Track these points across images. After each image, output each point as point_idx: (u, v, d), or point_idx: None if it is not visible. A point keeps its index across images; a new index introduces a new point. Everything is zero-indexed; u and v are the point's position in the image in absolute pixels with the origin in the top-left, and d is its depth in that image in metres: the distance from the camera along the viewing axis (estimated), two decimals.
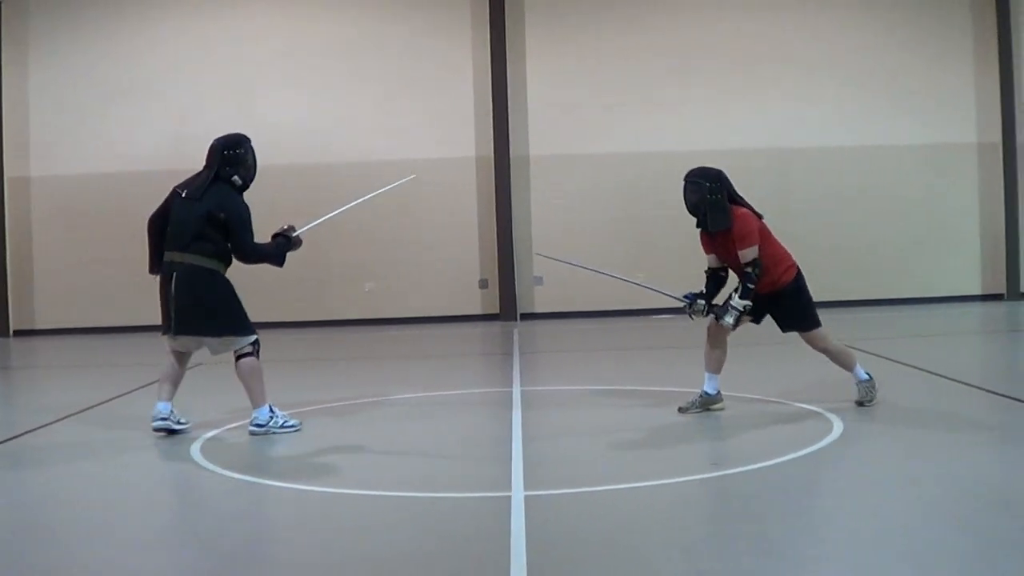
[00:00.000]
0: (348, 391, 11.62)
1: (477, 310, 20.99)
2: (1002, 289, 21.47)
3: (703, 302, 9.55)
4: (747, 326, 9.51)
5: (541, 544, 5.62)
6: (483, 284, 21.02)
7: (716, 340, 9.67)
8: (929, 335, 16.36)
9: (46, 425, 9.98)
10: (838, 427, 8.50)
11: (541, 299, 21.12)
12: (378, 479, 7.41)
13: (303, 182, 20.72)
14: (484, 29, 20.92)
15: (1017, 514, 6.02)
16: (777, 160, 21.14)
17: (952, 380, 10.96)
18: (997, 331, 17.66)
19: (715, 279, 9.74)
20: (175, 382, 9.36)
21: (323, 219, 10.54)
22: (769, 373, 12.32)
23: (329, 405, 10.73)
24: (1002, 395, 10.24)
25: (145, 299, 20.73)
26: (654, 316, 20.26)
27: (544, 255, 10.37)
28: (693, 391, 9.95)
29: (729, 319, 9.21)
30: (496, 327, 19.91)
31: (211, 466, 7.87)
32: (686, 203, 9.56)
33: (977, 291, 21.56)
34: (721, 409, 9.58)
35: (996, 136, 21.39)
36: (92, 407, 11.01)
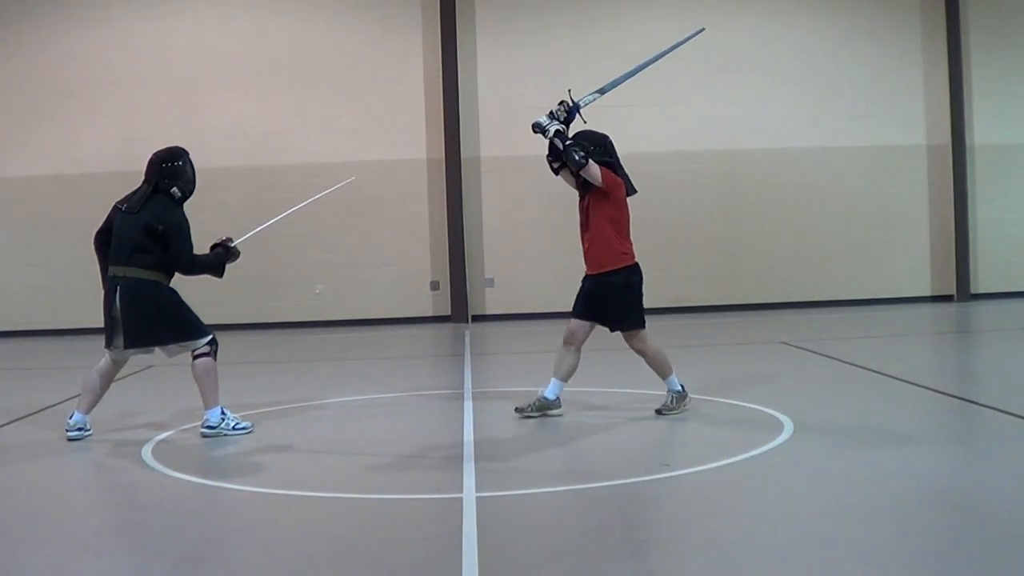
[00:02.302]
0: (299, 393, 11.57)
1: (428, 312, 20.96)
2: (952, 290, 21.66)
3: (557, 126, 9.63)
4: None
5: (493, 545, 5.60)
6: (434, 286, 20.98)
7: (575, 344, 9.59)
8: (879, 336, 16.46)
9: None
10: (788, 428, 8.52)
11: (492, 301, 21.11)
12: (329, 481, 7.36)
13: (251, 185, 20.67)
14: (435, 31, 20.89)
15: (966, 514, 6.06)
16: (727, 162, 21.26)
17: (902, 381, 11.02)
18: (946, 332, 17.80)
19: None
20: (98, 395, 9.29)
21: (261, 227, 10.52)
22: (720, 374, 12.34)
23: (280, 407, 10.67)
24: (951, 396, 10.32)
25: (92, 302, 20.71)
26: None
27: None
28: (645, 392, 9.97)
29: (543, 123, 9.67)
30: (447, 329, 19.88)
31: (161, 468, 7.80)
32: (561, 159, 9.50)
33: (927, 292, 21.74)
34: (559, 415, 9.52)
35: (945, 138, 21.58)
36: (40, 410, 10.89)
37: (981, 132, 21.71)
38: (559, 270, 20.88)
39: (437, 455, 8.38)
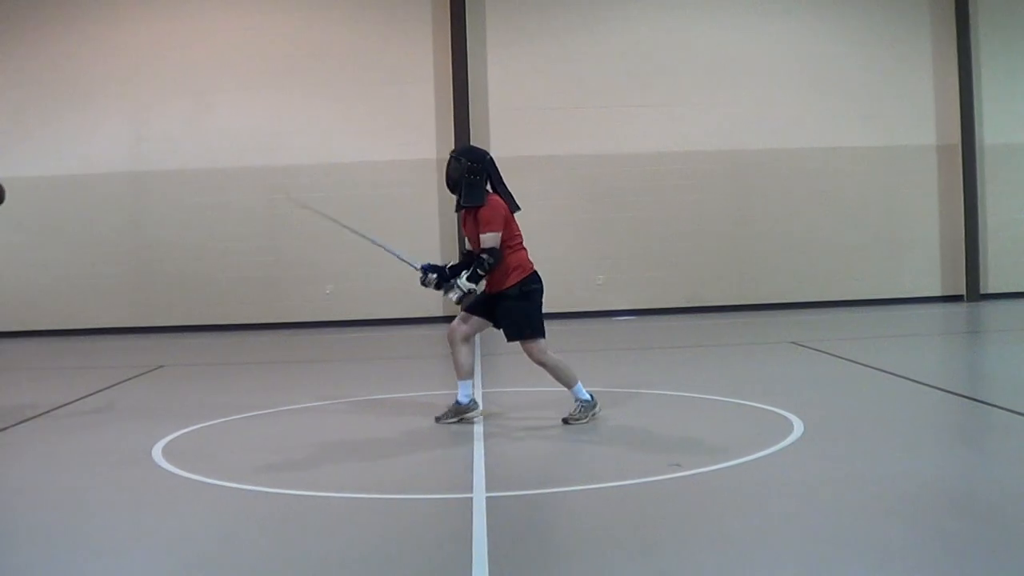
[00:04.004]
0: (309, 393, 11.57)
1: (438, 312, 20.94)
2: (961, 290, 21.62)
3: (435, 276, 9.19)
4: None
5: (503, 545, 5.60)
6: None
7: (456, 341, 9.45)
8: (889, 336, 16.43)
9: (4, 429, 9.88)
10: (798, 427, 8.51)
11: None
12: (340, 481, 7.37)
13: (261, 185, 20.68)
14: (445, 31, 20.88)
15: (976, 514, 6.05)
16: (737, 163, 21.22)
17: (912, 381, 11.00)
18: (956, 332, 17.76)
19: (469, 261, 9.26)
20: None
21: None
22: (730, 374, 12.34)
23: (290, 407, 10.68)
24: (961, 396, 10.31)
25: (100, 302, 20.81)
26: (614, 318, 20.35)
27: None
28: (651, 392, 9.96)
29: (452, 295, 9.01)
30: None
31: (172, 468, 7.81)
32: (447, 179, 9.32)
33: (937, 292, 21.69)
34: (476, 417, 9.44)
35: (955, 138, 21.53)
36: (49, 411, 10.90)
37: (991, 132, 21.66)
38: (568, 270, 20.93)
39: (447, 455, 8.39)
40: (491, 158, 9.46)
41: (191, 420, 9.94)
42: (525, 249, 9.40)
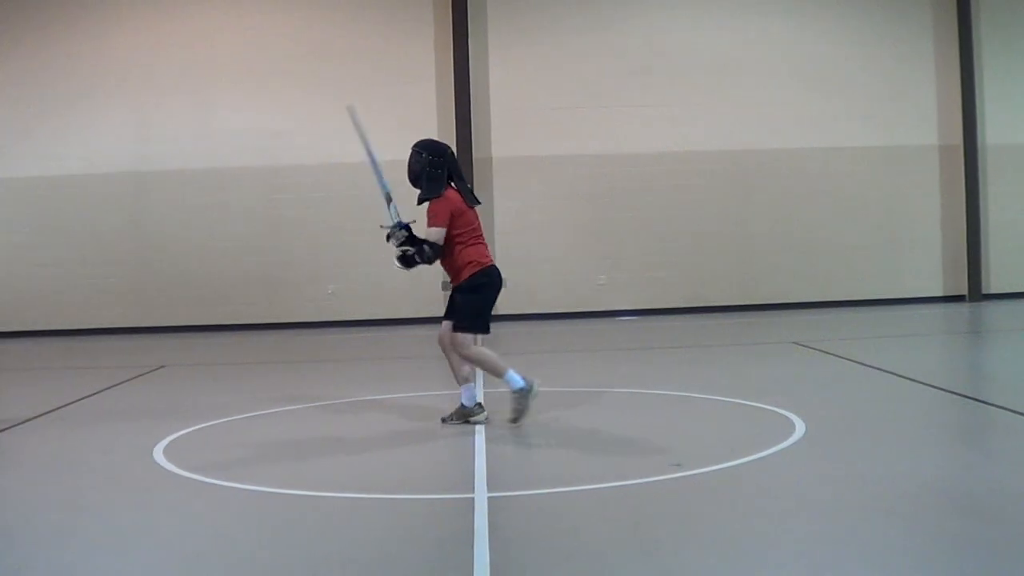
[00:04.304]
0: (311, 393, 11.58)
1: (440, 312, 20.83)
2: (964, 290, 21.62)
3: (405, 233, 9.30)
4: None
5: (504, 545, 5.61)
6: (446, 286, 20.90)
7: (446, 348, 9.51)
8: (890, 336, 16.42)
9: (7, 429, 9.89)
10: (800, 427, 8.51)
11: (504, 301, 21.05)
12: (341, 481, 7.37)
13: (263, 184, 20.71)
14: (447, 31, 20.89)
15: (978, 515, 6.04)
16: (739, 163, 21.23)
17: (914, 381, 11.00)
18: (958, 332, 17.76)
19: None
20: None
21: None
22: (732, 374, 12.34)
23: (292, 407, 10.68)
24: (963, 396, 10.31)
25: (102, 302, 20.82)
26: (618, 318, 20.36)
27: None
28: (652, 392, 9.96)
29: (393, 241, 9.23)
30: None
31: (173, 467, 7.82)
32: (409, 172, 9.45)
33: (939, 292, 21.69)
34: (482, 421, 9.40)
35: (957, 138, 21.53)
36: (51, 411, 10.91)
37: (993, 132, 21.66)
38: (571, 271, 20.96)
39: (448, 455, 8.40)
40: (452, 152, 9.54)
41: (192, 420, 9.95)
42: (483, 244, 9.45)
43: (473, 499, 6.60)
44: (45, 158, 20.79)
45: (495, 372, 9.30)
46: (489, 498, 6.60)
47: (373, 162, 9.68)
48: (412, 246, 9.13)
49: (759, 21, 21.42)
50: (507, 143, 21.03)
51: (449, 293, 9.56)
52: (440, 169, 9.31)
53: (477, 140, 20.86)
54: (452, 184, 9.39)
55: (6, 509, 7.02)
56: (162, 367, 14.81)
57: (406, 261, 9.22)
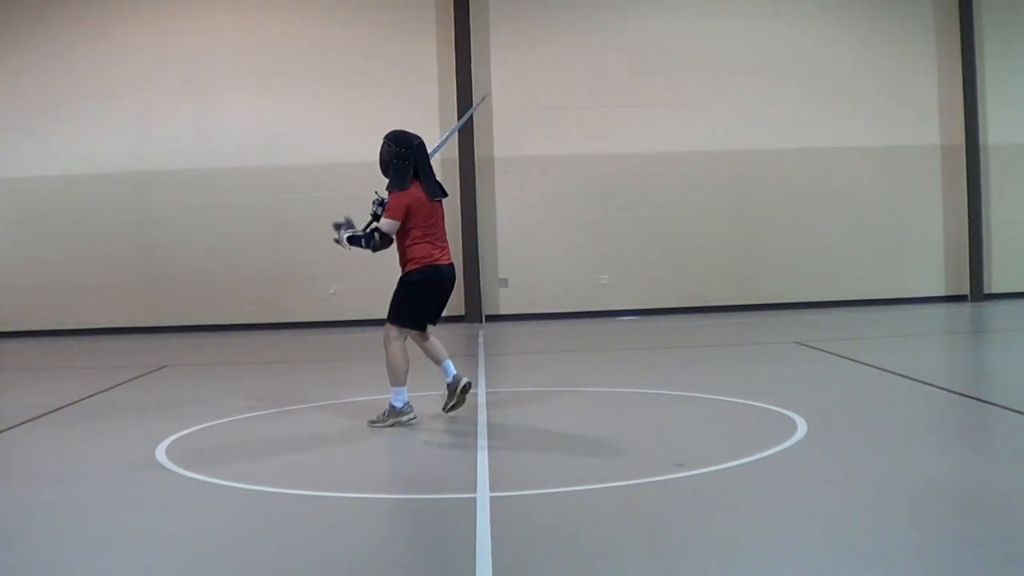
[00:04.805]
0: (314, 393, 11.58)
1: (443, 312, 20.92)
2: (965, 290, 21.59)
3: (349, 231, 9.70)
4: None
5: (507, 546, 5.61)
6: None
7: (419, 339, 9.85)
8: (892, 336, 16.42)
9: (8, 429, 9.90)
10: (802, 428, 8.51)
11: (506, 301, 21.11)
12: (343, 481, 7.38)
13: (264, 185, 20.70)
14: (449, 31, 20.88)
15: (981, 514, 6.05)
16: (741, 163, 21.21)
17: (916, 381, 11.00)
18: (960, 332, 17.75)
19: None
20: None
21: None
22: (734, 374, 12.34)
23: (294, 407, 10.69)
24: (966, 396, 10.31)
25: (104, 302, 20.82)
26: (618, 317, 20.35)
27: None
28: (655, 392, 9.96)
29: (335, 235, 9.70)
30: (461, 329, 19.86)
31: (175, 468, 7.82)
32: (380, 162, 9.63)
33: (941, 292, 21.67)
34: (468, 388, 9.71)
35: (959, 138, 21.51)
36: (52, 411, 10.91)
37: (995, 132, 21.64)
38: (573, 270, 20.95)
39: (450, 455, 8.40)
40: (420, 143, 9.61)
41: (194, 420, 9.95)
42: (434, 243, 9.58)
43: (475, 499, 6.60)
44: (46, 158, 20.78)
45: (392, 379, 9.47)
46: (491, 498, 6.60)
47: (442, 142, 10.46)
48: (353, 240, 9.54)
49: (761, 21, 21.40)
50: (509, 143, 21.02)
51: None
52: (406, 160, 9.42)
53: (479, 140, 20.86)
54: (419, 177, 9.44)
55: (7, 509, 7.01)
56: (164, 367, 14.81)
57: (352, 240, 9.56)
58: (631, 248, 20.99)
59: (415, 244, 9.40)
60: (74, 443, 9.19)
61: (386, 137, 9.61)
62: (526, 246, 20.96)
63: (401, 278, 9.50)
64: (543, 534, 5.90)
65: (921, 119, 21.61)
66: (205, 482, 7.42)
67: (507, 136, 21.00)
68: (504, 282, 21.04)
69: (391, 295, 9.62)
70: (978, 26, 21.48)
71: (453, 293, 9.87)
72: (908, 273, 21.65)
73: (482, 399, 10.59)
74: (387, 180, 9.52)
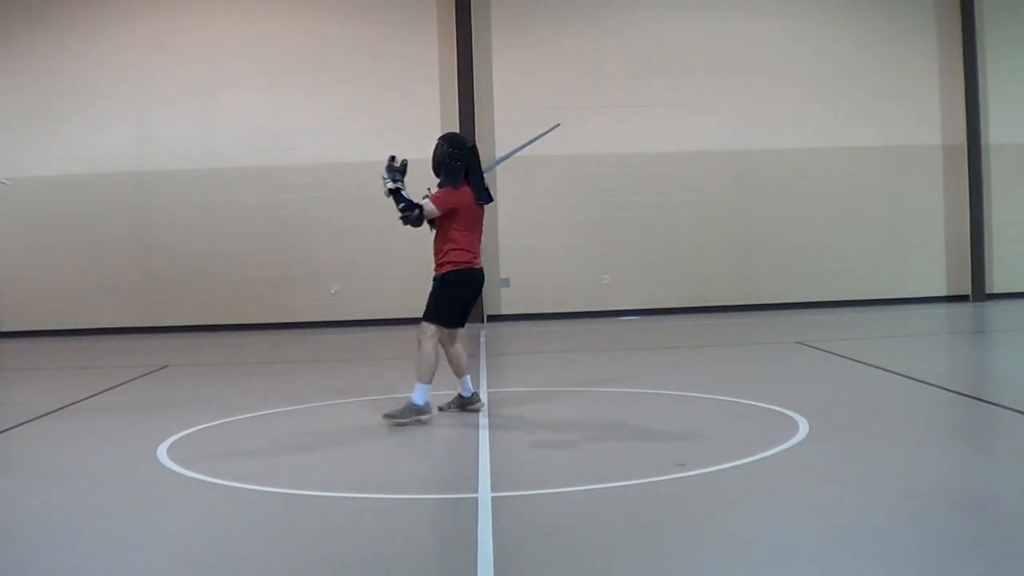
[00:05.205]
0: (315, 393, 11.58)
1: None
2: (967, 290, 21.61)
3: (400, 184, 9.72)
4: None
5: (508, 545, 5.60)
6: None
7: (447, 341, 9.90)
8: (894, 336, 16.42)
9: (10, 429, 9.90)
10: (803, 428, 8.50)
11: (507, 301, 21.12)
12: (344, 480, 7.37)
13: (266, 184, 20.71)
14: (451, 31, 20.89)
15: (982, 514, 6.04)
16: (742, 163, 21.22)
17: (917, 381, 10.99)
18: (962, 332, 17.74)
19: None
20: None
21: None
22: (735, 374, 12.33)
23: (296, 407, 10.68)
24: (967, 396, 10.30)
25: (106, 302, 20.82)
26: (620, 317, 20.35)
27: None
28: (656, 392, 9.97)
29: (385, 175, 9.78)
30: (462, 329, 19.83)
31: (176, 468, 7.82)
32: (432, 161, 9.81)
33: (942, 292, 21.68)
34: (478, 409, 9.82)
35: (961, 138, 21.52)
36: (55, 410, 10.91)
37: (997, 132, 21.65)
38: (574, 270, 20.96)
39: (452, 455, 8.40)
40: (472, 147, 9.85)
41: (196, 420, 9.95)
42: (472, 247, 9.68)
43: (477, 499, 6.59)
44: (48, 158, 20.80)
45: (422, 373, 9.46)
46: (493, 498, 6.60)
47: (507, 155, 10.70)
48: (408, 202, 9.52)
49: (761, 21, 21.41)
50: (510, 143, 20.92)
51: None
52: (458, 162, 9.61)
53: (480, 140, 20.82)
54: (468, 179, 9.61)
55: (9, 509, 7.01)
56: (165, 367, 14.81)
57: (396, 194, 9.60)
58: (632, 248, 21.00)
59: (457, 248, 9.54)
60: (75, 443, 9.18)
61: (441, 138, 9.86)
62: (527, 246, 20.97)
63: (440, 278, 9.61)
64: (545, 534, 5.90)
65: (923, 119, 21.63)
66: (206, 482, 7.42)
67: (508, 136, 20.96)
68: (505, 282, 21.05)
69: (421, 295, 9.66)
70: (980, 26, 21.49)
71: None
72: (909, 273, 21.66)
73: (484, 399, 10.58)
74: (438, 180, 9.73)
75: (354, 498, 6.86)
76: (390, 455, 8.32)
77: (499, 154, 10.46)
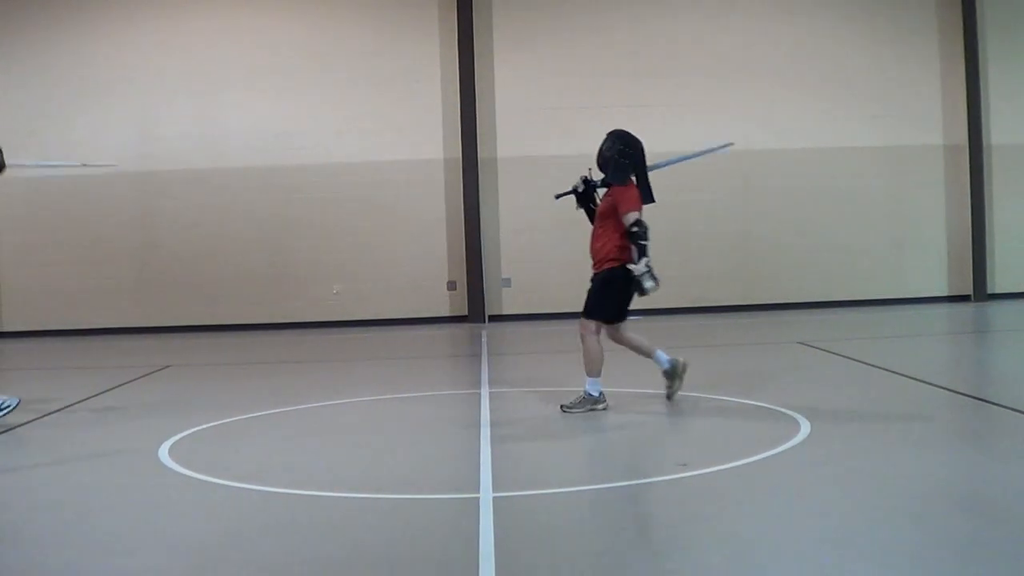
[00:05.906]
0: (316, 393, 11.57)
1: (445, 312, 20.96)
2: (968, 290, 21.60)
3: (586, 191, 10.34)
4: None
5: (510, 546, 5.60)
6: (451, 286, 20.97)
7: (615, 334, 10.09)
8: (895, 336, 16.42)
9: (11, 429, 9.89)
10: (805, 428, 8.50)
11: (509, 301, 21.12)
12: (345, 481, 7.37)
13: (268, 185, 20.72)
14: (452, 32, 20.89)
15: (984, 514, 6.03)
16: (744, 163, 21.18)
17: (919, 381, 10.99)
18: (963, 332, 17.74)
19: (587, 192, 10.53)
20: None
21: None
22: (737, 374, 12.32)
23: (298, 407, 10.68)
24: (969, 396, 10.30)
25: (107, 302, 20.83)
26: None
27: None
28: (658, 392, 10.02)
29: (647, 284, 9.69)
30: (464, 329, 19.88)
31: (179, 468, 7.82)
32: (599, 155, 10.09)
33: (944, 292, 21.68)
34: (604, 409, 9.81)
35: (962, 138, 21.51)
36: (56, 411, 10.92)
37: (998, 132, 21.65)
38: (575, 270, 20.82)
39: (454, 455, 8.39)
40: (642, 148, 10.11)
41: (197, 420, 9.95)
42: (627, 247, 9.83)
43: (478, 499, 6.59)
44: (51, 158, 20.75)
45: (591, 368, 9.74)
46: (494, 498, 6.60)
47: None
48: (646, 255, 9.83)
49: (762, 21, 21.41)
50: (511, 143, 21.03)
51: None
52: (628, 160, 9.92)
53: (482, 140, 20.88)
54: (634, 179, 9.91)
55: (11, 508, 7.01)
56: (167, 367, 14.81)
57: (644, 253, 9.79)
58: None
59: (622, 245, 9.74)
60: (77, 443, 9.18)
61: (611, 134, 10.21)
62: (529, 246, 20.97)
63: (604, 274, 9.80)
64: (547, 534, 5.90)
65: (924, 119, 21.62)
66: (207, 482, 7.42)
67: (510, 136, 21.02)
68: (507, 282, 21.05)
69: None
70: (981, 26, 21.49)
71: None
72: (911, 273, 21.66)
73: (485, 399, 10.58)
74: (603, 174, 10.09)
75: (355, 498, 6.85)
76: (391, 455, 8.31)
77: (659, 161, 10.59)
